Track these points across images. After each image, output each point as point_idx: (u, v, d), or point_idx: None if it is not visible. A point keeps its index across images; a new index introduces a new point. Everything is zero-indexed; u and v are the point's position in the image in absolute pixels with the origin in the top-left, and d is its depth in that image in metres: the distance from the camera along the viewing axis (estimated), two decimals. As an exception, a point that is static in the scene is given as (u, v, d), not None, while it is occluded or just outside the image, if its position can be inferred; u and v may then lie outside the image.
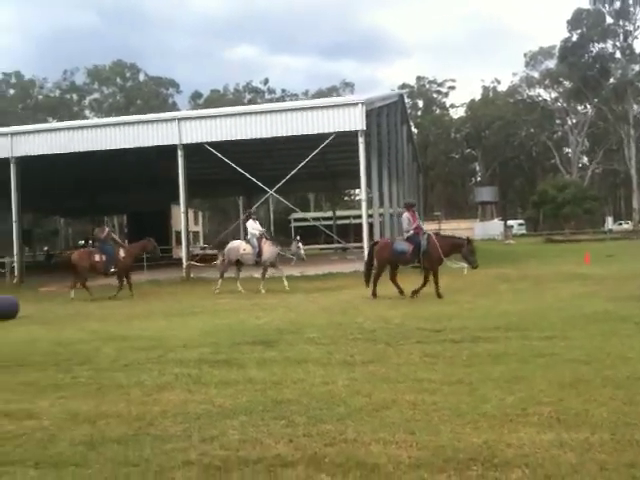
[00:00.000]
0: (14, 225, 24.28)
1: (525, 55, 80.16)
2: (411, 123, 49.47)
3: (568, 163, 78.11)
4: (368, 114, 22.70)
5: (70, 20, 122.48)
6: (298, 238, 17.40)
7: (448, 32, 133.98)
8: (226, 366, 7.00)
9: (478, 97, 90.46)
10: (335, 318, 10.42)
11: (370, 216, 24.85)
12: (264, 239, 16.61)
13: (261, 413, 5.10)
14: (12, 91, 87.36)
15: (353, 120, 22.24)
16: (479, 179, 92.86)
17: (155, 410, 5.30)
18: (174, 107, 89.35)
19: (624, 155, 71.10)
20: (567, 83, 75.80)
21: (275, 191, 24.19)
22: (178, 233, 53.94)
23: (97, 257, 16.54)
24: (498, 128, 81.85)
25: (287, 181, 23.87)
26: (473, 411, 4.91)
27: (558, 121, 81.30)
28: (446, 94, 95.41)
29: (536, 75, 79.69)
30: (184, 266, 22.44)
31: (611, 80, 71.71)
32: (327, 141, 22.49)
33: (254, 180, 23.66)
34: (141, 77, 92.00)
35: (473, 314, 10.29)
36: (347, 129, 22.37)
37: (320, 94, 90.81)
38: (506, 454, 3.99)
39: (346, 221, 51.22)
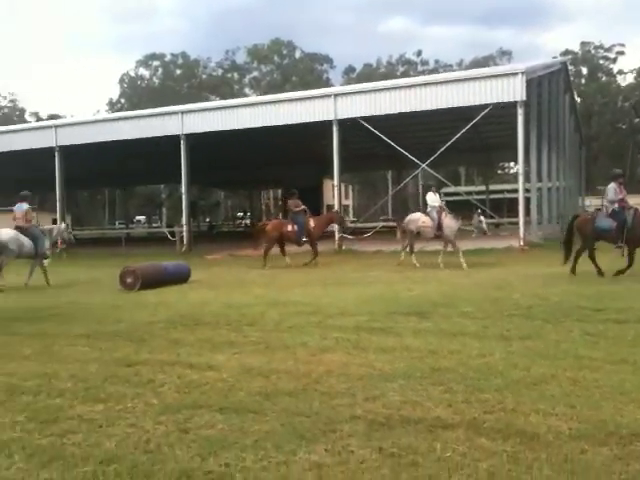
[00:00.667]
0: (183, 197, 26.28)
1: None
2: (574, 92, 46.50)
3: None
4: (528, 83, 21.83)
5: (229, 1, 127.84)
6: (479, 211, 16.85)
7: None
8: (383, 334, 7.29)
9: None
10: (489, 293, 10.34)
11: (527, 190, 24.02)
12: (444, 212, 16.10)
13: (419, 379, 5.32)
14: (178, 71, 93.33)
15: (512, 90, 21.55)
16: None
17: (320, 369, 5.71)
18: (328, 83, 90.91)
19: None
20: None
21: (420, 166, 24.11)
22: (329, 207, 55.44)
23: (289, 227, 17.44)
24: (673, 95, 74.84)
25: (438, 155, 23.68)
26: (638, 390, 4.80)
27: None
28: (614, 60, 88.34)
29: None
30: (337, 238, 23.08)
31: None
32: (483, 113, 21.97)
33: (407, 154, 23.67)
34: (297, 54, 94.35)
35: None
36: (505, 100, 21.72)
37: (476, 64, 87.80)
38: (674, 434, 3.90)
39: (499, 195, 49.66)
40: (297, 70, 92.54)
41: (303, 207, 17.94)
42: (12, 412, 4.73)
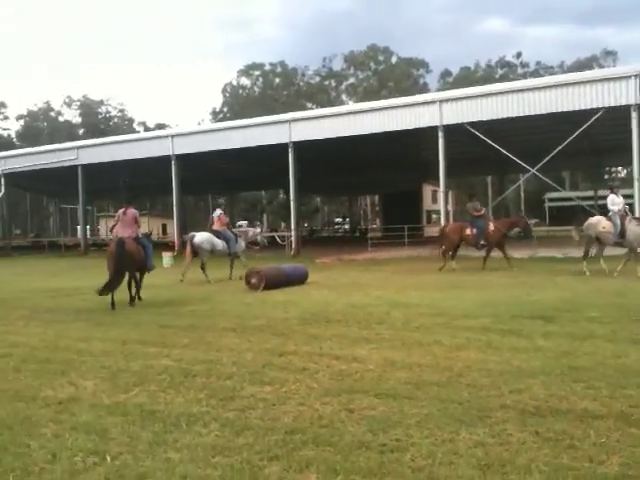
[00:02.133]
0: (291, 203, 27.23)
1: None
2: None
3: None
4: (641, 86, 21.19)
5: (326, 6, 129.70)
6: None
7: None
8: (512, 335, 7.54)
9: None
10: (612, 299, 10.31)
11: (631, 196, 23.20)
12: (628, 217, 14.90)
13: (559, 376, 5.58)
14: (277, 80, 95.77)
15: (625, 93, 20.99)
16: None
17: (459, 365, 6.08)
18: (424, 87, 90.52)
19: None
20: None
21: (524, 170, 23.83)
22: (428, 212, 55.32)
23: (468, 231, 17.65)
24: None
25: (539, 159, 23.34)
26: None
27: None
28: None
29: None
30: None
31: None
32: (595, 117, 21.49)
33: (515, 159, 23.47)
34: (393, 59, 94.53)
35: None
36: (618, 104, 21.16)
37: (578, 65, 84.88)
38: None
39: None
40: (393, 75, 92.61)
41: (483, 211, 18.16)
42: (193, 390, 5.42)
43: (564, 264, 17.59)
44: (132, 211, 12.13)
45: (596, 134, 34.34)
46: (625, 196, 24.69)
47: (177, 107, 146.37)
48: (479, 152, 33.94)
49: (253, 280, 13.55)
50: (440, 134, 23.81)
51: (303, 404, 4.94)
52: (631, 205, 21.07)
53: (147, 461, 3.85)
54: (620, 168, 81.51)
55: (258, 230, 19.00)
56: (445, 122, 23.72)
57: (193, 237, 16.49)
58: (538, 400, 4.89)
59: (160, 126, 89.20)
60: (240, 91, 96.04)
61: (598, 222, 15.15)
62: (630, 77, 20.97)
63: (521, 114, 22.76)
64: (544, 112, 22.51)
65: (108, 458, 3.91)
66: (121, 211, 12.19)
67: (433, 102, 24.56)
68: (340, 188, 58.19)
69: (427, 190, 53.94)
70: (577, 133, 22.00)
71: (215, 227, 16.80)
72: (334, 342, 7.36)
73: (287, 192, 59.20)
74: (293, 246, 26.57)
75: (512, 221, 18.57)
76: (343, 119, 27.37)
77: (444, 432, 4.23)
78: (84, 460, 3.90)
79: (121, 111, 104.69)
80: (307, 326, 8.53)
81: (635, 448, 3.87)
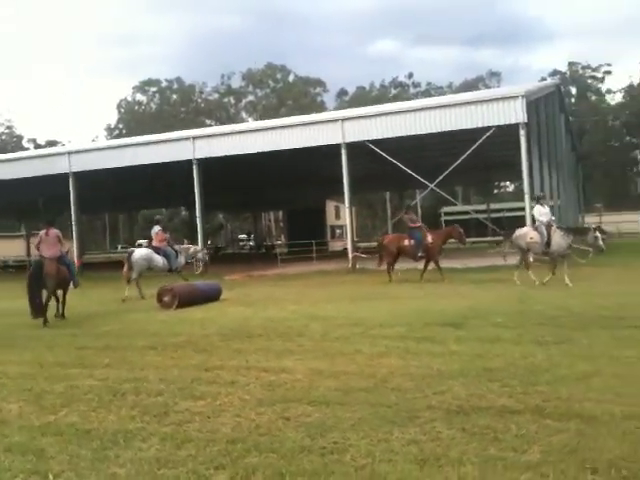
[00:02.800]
0: (197, 221, 26.94)
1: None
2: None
3: None
4: (527, 105, 22.69)
5: (218, 24, 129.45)
6: (594, 227, 15.75)
7: (597, 15, 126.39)
8: (427, 341, 7.94)
9: (638, 81, 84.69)
10: (514, 306, 10.99)
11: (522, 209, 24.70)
12: (554, 228, 15.14)
13: (476, 377, 5.98)
14: (174, 96, 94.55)
15: (513, 113, 22.38)
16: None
17: (382, 371, 6.36)
18: (322, 106, 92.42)
19: None
20: None
21: (420, 185, 24.87)
22: (332, 227, 56.26)
23: (406, 242, 17.72)
24: (662, 113, 76.29)
25: (434, 175, 24.48)
26: (674, 381, 5.47)
27: None
28: (602, 79, 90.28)
29: None
30: (350, 257, 23.80)
31: None
32: (487, 134, 22.79)
33: (414, 175, 24.43)
34: (291, 78, 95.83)
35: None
36: (507, 122, 22.54)
37: (466, 85, 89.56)
38: None
39: (499, 214, 50.41)
40: (292, 94, 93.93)
41: (420, 223, 18.42)
42: (124, 408, 5.38)
43: (465, 274, 18.49)
44: (54, 231, 12.19)
45: (486, 151, 36.44)
46: (517, 209, 26.22)
47: (69, 124, 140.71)
48: (379, 169, 35.04)
49: (166, 298, 13.35)
50: (343, 152, 24.40)
51: (239, 415, 5.04)
52: (522, 217, 22.51)
53: (92, 477, 3.83)
54: (508, 183, 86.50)
55: (199, 248, 18.76)
56: (347, 140, 24.34)
57: (132, 252, 16.68)
58: (460, 399, 5.23)
59: (51, 143, 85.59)
60: (136, 107, 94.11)
61: (526, 233, 15.54)
62: (517, 97, 22.39)
63: (419, 132, 23.75)
64: (440, 130, 23.61)
65: (51, 477, 3.87)
66: (43, 232, 12.23)
67: (335, 120, 25.16)
68: (244, 205, 58.10)
69: (330, 206, 54.87)
70: (472, 149, 23.21)
71: (154, 243, 17.08)
72: (259, 355, 7.47)
73: (189, 209, 58.69)
74: (200, 264, 26.26)
75: (447, 231, 18.95)
76: (247, 136, 27.46)
77: (378, 433, 4.46)
78: (25, 481, 3.82)
79: (9, 128, 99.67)
80: (229, 341, 8.58)
81: (552, 437, 4.25)
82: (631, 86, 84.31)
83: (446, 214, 58.00)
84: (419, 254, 17.64)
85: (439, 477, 3.66)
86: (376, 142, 24.60)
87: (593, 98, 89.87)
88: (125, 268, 16.44)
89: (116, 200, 50.11)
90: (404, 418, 4.77)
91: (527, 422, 4.59)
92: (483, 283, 15.75)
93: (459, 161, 23.40)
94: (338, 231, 59.63)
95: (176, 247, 17.83)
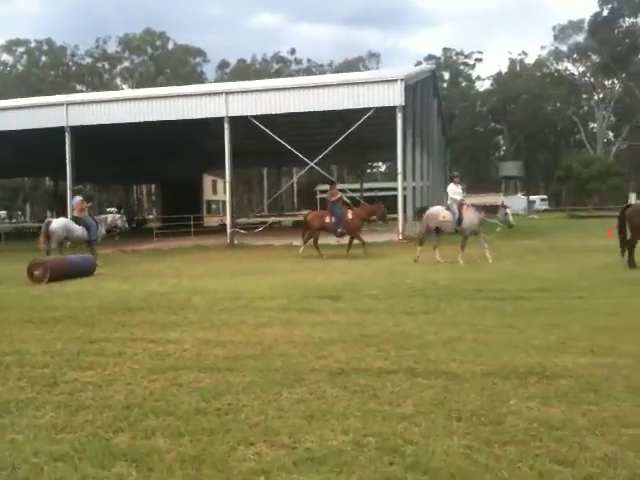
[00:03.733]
0: (68, 192, 25.77)
1: (554, 28, 79.89)
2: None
3: (593, 138, 78.18)
4: (405, 89, 23.70)
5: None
6: (503, 202, 16.09)
7: (475, 3, 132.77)
8: (307, 312, 8.38)
9: (505, 70, 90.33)
10: (386, 280, 11.72)
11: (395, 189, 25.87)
12: (465, 205, 15.37)
13: (353, 342, 6.47)
14: (44, 58, 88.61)
15: (392, 96, 23.30)
16: (502, 153, 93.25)
17: (268, 339, 6.70)
18: (202, 76, 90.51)
19: (650, 132, 71.16)
20: (595, 58, 75.55)
21: (298, 163, 25.41)
22: (208, 202, 55.67)
23: (328, 219, 17.86)
24: (524, 102, 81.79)
25: (313, 153, 25.10)
26: (524, 344, 6.25)
27: (585, 96, 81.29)
28: (473, 66, 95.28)
29: (564, 49, 79.55)
30: (229, 232, 23.90)
31: (640, 56, 71.54)
32: (367, 115, 23.59)
33: (296, 152, 24.85)
34: (170, 46, 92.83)
35: (509, 279, 11.50)
36: (386, 104, 23.43)
37: (346, 64, 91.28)
38: (554, 369, 5.31)
39: (372, 193, 52.27)
40: (170, 62, 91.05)
41: (340, 196, 18.35)
42: (11, 380, 5.34)
43: (341, 249, 19.16)
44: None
45: (362, 131, 37.61)
46: (390, 189, 27.35)
47: None
48: (258, 145, 35.18)
49: (37, 272, 12.89)
50: (226, 125, 24.31)
51: (131, 383, 5.18)
52: (395, 197, 23.64)
53: (-11, 445, 3.86)
54: (381, 163, 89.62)
55: (118, 216, 18.40)
56: (231, 114, 24.28)
57: (49, 223, 16.50)
58: (341, 363, 5.69)
59: None
60: (1, 68, 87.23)
61: (438, 213, 15.64)
62: (397, 81, 23.33)
63: (303, 110, 24.18)
64: (323, 109, 24.17)
65: (-58, 447, 3.84)
66: None
67: (220, 93, 24.97)
68: (115, 177, 55.94)
69: (208, 180, 54.24)
70: (351, 130, 24.01)
71: (75, 214, 17.04)
72: (144, 328, 7.55)
73: (55, 179, 55.65)
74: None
75: (370, 209, 19.21)
76: (126, 104, 26.56)
77: (268, 394, 4.79)
78: None
79: None
80: (110, 315, 8.54)
81: (422, 393, 4.79)
82: (499, 74, 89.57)
83: (322, 192, 59.33)
84: (339, 230, 17.93)
85: (326, 429, 4.05)
86: (258, 117, 24.74)
87: (464, 84, 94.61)
88: (42, 238, 16.05)
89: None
90: (291, 380, 5.14)
91: (401, 381, 5.11)
92: (358, 259, 16.49)
93: (340, 139, 24.15)
94: (214, 206, 59.19)
95: (96, 217, 17.77)
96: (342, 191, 45.85)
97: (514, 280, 11.25)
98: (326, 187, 57.10)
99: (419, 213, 16.75)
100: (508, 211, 15.35)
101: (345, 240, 18.51)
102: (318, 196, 60.71)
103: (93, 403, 4.67)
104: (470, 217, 15.14)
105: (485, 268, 13.41)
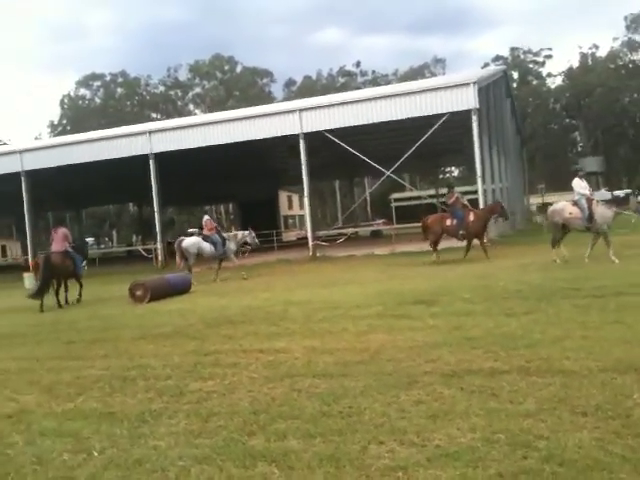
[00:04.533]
0: (156, 216, 26.88)
1: (626, 18, 77.18)
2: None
3: (677, 127, 74.77)
4: (478, 92, 23.51)
5: (161, 16, 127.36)
6: (637, 192, 14.95)
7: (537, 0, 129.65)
8: (405, 318, 8.44)
9: (576, 64, 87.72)
10: (479, 282, 11.63)
11: (475, 192, 25.58)
12: (594, 201, 14.42)
13: (459, 345, 6.49)
14: (119, 90, 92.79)
15: (466, 99, 23.19)
16: (580, 149, 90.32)
17: (373, 345, 6.81)
18: (270, 96, 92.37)
19: None
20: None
21: (370, 173, 25.52)
22: (285, 217, 56.54)
23: (449, 221, 17.65)
24: (599, 95, 79.05)
25: (384, 162, 25.15)
26: (635, 339, 6.10)
27: (664, 84, 78.00)
28: (542, 63, 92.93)
29: (638, 39, 76.59)
30: (310, 245, 24.28)
31: None
32: (441, 121, 23.51)
33: (371, 163, 25.00)
34: (238, 69, 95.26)
35: (607, 275, 11.17)
36: (460, 109, 23.31)
37: (412, 72, 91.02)
38: (675, 363, 5.18)
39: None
40: (239, 85, 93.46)
41: (456, 196, 17.98)
42: (139, 392, 5.67)
43: (423, 256, 19.09)
44: (62, 229, 15.53)
45: (435, 137, 37.35)
46: (466, 192, 27.08)
47: (9, 122, 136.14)
48: (330, 158, 35.59)
49: (138, 292, 13.53)
50: (301, 142, 24.78)
51: (252, 391, 5.41)
52: (475, 200, 23.35)
53: (137, 449, 4.16)
54: (453, 168, 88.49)
55: (247, 232, 19.34)
56: (305, 130, 24.74)
57: (181, 241, 18.00)
58: (451, 365, 5.73)
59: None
60: (80, 102, 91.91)
61: (563, 208, 14.71)
62: (469, 84, 23.20)
63: (377, 120, 24.38)
64: (397, 118, 24.27)
65: (95, 453, 4.16)
66: (53, 230, 15.57)
67: (294, 111, 25.50)
68: (196, 199, 57.72)
69: (283, 196, 55.16)
70: (427, 135, 23.92)
71: (205, 232, 18.21)
72: (250, 339, 7.83)
73: (139, 205, 57.88)
74: (159, 258, 26.32)
75: (490, 208, 18.77)
76: (205, 129, 27.56)
77: (386, 397, 4.90)
78: (73, 458, 4.11)
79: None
80: (215, 328, 8.89)
81: (541, 391, 4.77)
82: (570, 69, 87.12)
83: (396, 200, 59.16)
84: (461, 232, 17.45)
85: (452, 428, 4.12)
86: (331, 131, 25.09)
87: (534, 82, 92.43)
88: (177, 257, 17.89)
89: (59, 198, 49.10)
90: (405, 383, 5.23)
91: (516, 380, 5.10)
92: (442, 264, 16.40)
93: (415, 147, 24.12)
94: (291, 221, 60.08)
95: (224, 235, 18.87)
96: (417, 198, 45.69)
97: (612, 276, 10.93)
98: (400, 195, 57.03)
99: (543, 209, 15.69)
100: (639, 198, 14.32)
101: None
102: (393, 204, 60.49)
103: (221, 410, 4.91)
104: (603, 212, 14.07)
105: (580, 266, 13.03)
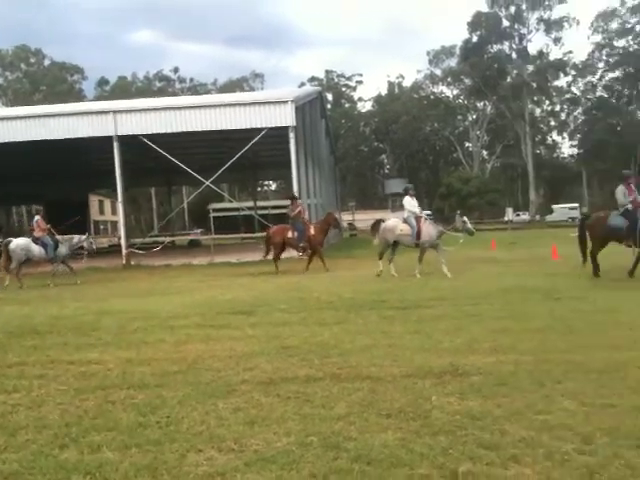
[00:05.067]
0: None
1: (428, 53, 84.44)
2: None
3: (470, 157, 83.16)
4: (295, 110, 24.31)
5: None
6: (459, 212, 15.81)
7: (353, 27, 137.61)
8: (224, 328, 8.51)
9: (384, 92, 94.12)
10: (294, 294, 12.02)
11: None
12: (423, 218, 15.25)
13: (276, 354, 6.71)
14: None
15: (284, 116, 23.87)
16: (387, 171, 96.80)
17: (191, 355, 6.79)
18: (80, 94, 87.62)
19: (521, 150, 76.55)
20: (468, 81, 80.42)
21: (188, 182, 25.43)
22: (96, 222, 53.76)
23: (290, 233, 17.64)
24: (404, 123, 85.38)
25: (203, 171, 25.17)
26: (434, 347, 6.75)
27: (460, 117, 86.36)
28: (354, 88, 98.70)
29: (439, 73, 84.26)
30: (124, 253, 23.33)
31: (508, 79, 76.99)
32: (260, 135, 23.96)
33: (189, 171, 24.73)
34: (46, 62, 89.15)
35: (409, 289, 12.17)
36: (278, 124, 23.94)
37: (231, 84, 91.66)
38: (465, 368, 5.81)
39: (265, 211, 52.64)
40: (46, 79, 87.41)
41: (299, 209, 18.07)
42: None
43: (241, 267, 19.34)
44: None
45: (254, 150, 37.93)
46: (283, 207, 27.78)
47: None
48: (146, 164, 34.65)
49: None
50: (115, 145, 23.82)
51: (62, 403, 5.14)
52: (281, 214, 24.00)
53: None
54: (271, 181, 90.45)
55: (84, 237, 18.21)
56: (120, 132, 23.81)
57: (9, 242, 17.05)
58: (268, 373, 5.91)
59: None
60: None
61: (395, 226, 15.28)
62: (287, 102, 23.91)
63: (197, 129, 24.17)
64: (217, 129, 24.29)
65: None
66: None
67: (107, 112, 24.42)
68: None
69: (94, 201, 52.43)
70: (246, 148, 24.22)
71: (35, 234, 17.24)
72: (58, 350, 7.39)
73: None
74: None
75: (326, 220, 18.89)
76: (6, 124, 25.40)
77: (205, 405, 4.94)
78: None
79: None
80: (18, 339, 8.27)
81: (351, 395, 5.11)
82: (379, 96, 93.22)
83: (215, 210, 58.99)
84: (301, 245, 17.74)
85: (269, 433, 4.28)
86: (148, 136, 24.43)
87: (347, 105, 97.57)
88: (3, 258, 16.82)
89: None
90: (224, 392, 5.30)
91: (329, 386, 5.41)
92: (260, 275, 16.71)
93: (234, 159, 24.26)
94: (102, 227, 57.22)
95: (57, 237, 17.78)
96: (235, 209, 46.03)
97: (412, 290, 11.91)
98: (219, 205, 56.98)
99: (374, 226, 16.41)
100: (465, 219, 15.21)
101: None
102: (211, 214, 60.23)
103: (29, 423, 4.62)
104: (429, 230, 15.00)
105: (384, 280, 14.01)
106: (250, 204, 49.70)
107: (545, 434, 4.11)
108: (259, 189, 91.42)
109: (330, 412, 4.70)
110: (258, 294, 12.39)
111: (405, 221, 15.19)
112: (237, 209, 46.80)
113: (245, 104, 24.54)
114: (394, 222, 15.58)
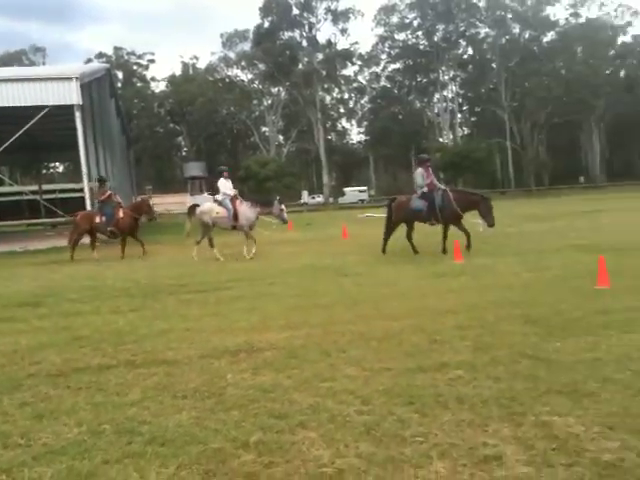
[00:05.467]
0: None
1: (222, 36, 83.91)
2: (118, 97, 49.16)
3: (266, 141, 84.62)
4: (81, 87, 22.96)
5: None
6: (279, 199, 15.37)
7: (144, 2, 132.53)
8: (8, 322, 7.95)
9: (179, 73, 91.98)
10: (86, 283, 11.48)
11: (80, 190, 24.98)
12: (239, 200, 15.04)
13: (67, 345, 6.44)
14: None
15: (68, 94, 22.44)
16: (184, 154, 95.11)
17: (-32, 353, 6.26)
18: None
19: (314, 136, 79.64)
20: (262, 66, 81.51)
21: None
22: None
23: (98, 218, 16.66)
24: (200, 105, 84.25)
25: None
26: (230, 327, 6.94)
27: (255, 101, 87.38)
28: (146, 67, 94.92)
29: (233, 56, 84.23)
30: None
31: (300, 66, 79.42)
32: (42, 113, 22.31)
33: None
34: None
35: (208, 272, 12.23)
36: (63, 102, 22.46)
37: (8, 57, 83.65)
38: (259, 345, 6.07)
39: (52, 195, 49.06)
40: None
41: (109, 193, 16.74)
42: None
43: (27, 257, 17.98)
44: None
45: (36, 130, 35.19)
46: (72, 190, 26.15)
47: None
48: None
49: None
50: None
51: None
52: (79, 199, 22.76)
53: None
54: (58, 164, 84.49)
55: None
56: None
57: None
58: (57, 365, 5.68)
59: None
60: None
61: (211, 209, 15.04)
62: (72, 79, 22.45)
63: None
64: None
65: None
66: None
67: None
68: None
69: None
70: (26, 127, 22.39)
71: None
72: None
73: None
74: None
75: (137, 204, 17.92)
76: None
77: (-13, 404, 4.63)
78: None
79: None
80: None
81: (146, 380, 5.11)
82: (173, 76, 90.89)
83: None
84: (109, 229, 16.68)
85: (58, 425, 4.15)
86: None
87: (139, 84, 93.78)
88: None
89: None
90: (9, 387, 5.02)
91: (123, 373, 5.34)
92: (48, 264, 15.69)
93: (13, 139, 22.35)
94: None
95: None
96: (18, 194, 42.38)
97: (212, 273, 12.02)
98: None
99: (190, 211, 16.00)
100: (284, 207, 15.16)
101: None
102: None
103: None
104: (246, 213, 14.91)
105: (188, 264, 13.88)
106: (35, 188, 46.08)
107: (330, 400, 4.47)
108: (44, 172, 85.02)
109: (124, 399, 4.67)
110: (46, 284, 11.67)
111: (220, 204, 15.06)
112: (20, 193, 43.06)
113: (25, 79, 22.65)
114: (209, 206, 15.38)
